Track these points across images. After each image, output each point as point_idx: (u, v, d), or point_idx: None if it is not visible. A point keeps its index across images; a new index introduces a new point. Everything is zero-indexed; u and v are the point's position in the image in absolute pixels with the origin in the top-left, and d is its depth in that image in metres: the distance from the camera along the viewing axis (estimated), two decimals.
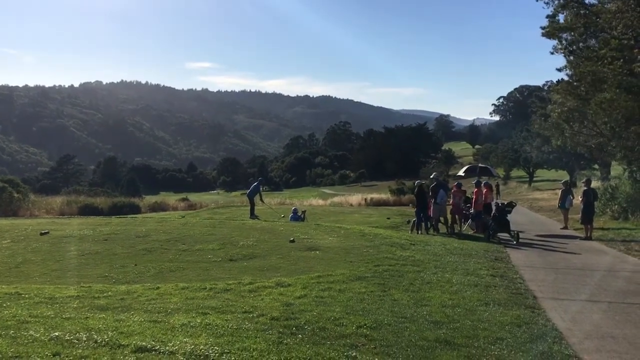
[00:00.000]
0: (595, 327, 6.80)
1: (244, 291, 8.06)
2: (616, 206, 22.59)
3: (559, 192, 21.96)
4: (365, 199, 45.74)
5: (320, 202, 47.09)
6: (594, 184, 26.06)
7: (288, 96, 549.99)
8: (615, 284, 9.79)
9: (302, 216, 23.46)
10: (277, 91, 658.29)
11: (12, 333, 5.58)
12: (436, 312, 7.00)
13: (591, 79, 22.33)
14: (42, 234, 14.68)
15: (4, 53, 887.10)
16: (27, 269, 10.53)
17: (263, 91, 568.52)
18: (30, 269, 10.53)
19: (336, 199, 49.87)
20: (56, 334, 5.53)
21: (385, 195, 48.14)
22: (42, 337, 5.42)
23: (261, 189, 26.10)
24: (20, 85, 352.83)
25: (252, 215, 24.70)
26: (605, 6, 21.42)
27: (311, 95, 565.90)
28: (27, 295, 7.67)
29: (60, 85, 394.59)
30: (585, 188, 17.83)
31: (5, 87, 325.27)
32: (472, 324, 6.49)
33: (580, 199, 17.63)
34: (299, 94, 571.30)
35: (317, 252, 12.02)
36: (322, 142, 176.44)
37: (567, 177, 56.10)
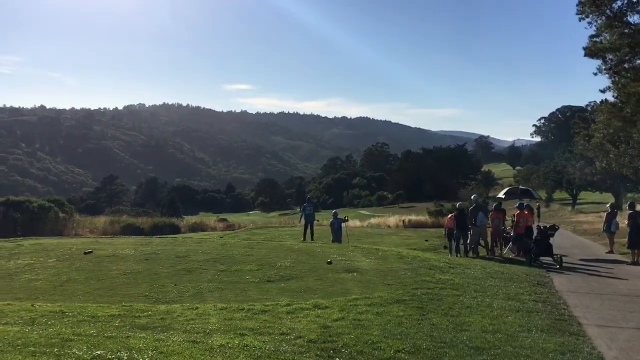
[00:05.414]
0: None
1: (282, 313, 8.07)
2: None
3: (604, 215, 21.33)
4: (404, 221, 45.28)
5: (358, 223, 46.82)
6: None
7: (326, 118, 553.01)
8: None
9: (344, 219, 22.74)
10: (315, 113, 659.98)
11: (57, 351, 5.72)
12: (477, 337, 6.86)
13: (637, 100, 21.78)
14: (86, 253, 15.05)
15: (47, 76, 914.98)
16: (71, 288, 10.80)
17: (301, 113, 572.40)
18: (74, 288, 10.79)
19: (374, 221, 49.50)
20: (98, 352, 5.65)
21: (423, 217, 47.58)
22: (85, 356, 5.54)
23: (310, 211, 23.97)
24: (67, 109, 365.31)
25: (310, 238, 22.68)
26: None
27: (349, 117, 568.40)
28: (71, 314, 7.86)
29: (105, 108, 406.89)
30: (631, 211, 17.30)
31: (53, 110, 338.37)
32: (514, 351, 6.33)
33: (627, 223, 17.08)
34: (337, 116, 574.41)
35: (355, 274, 11.95)
36: (359, 164, 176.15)
37: (612, 200, 54.50)
